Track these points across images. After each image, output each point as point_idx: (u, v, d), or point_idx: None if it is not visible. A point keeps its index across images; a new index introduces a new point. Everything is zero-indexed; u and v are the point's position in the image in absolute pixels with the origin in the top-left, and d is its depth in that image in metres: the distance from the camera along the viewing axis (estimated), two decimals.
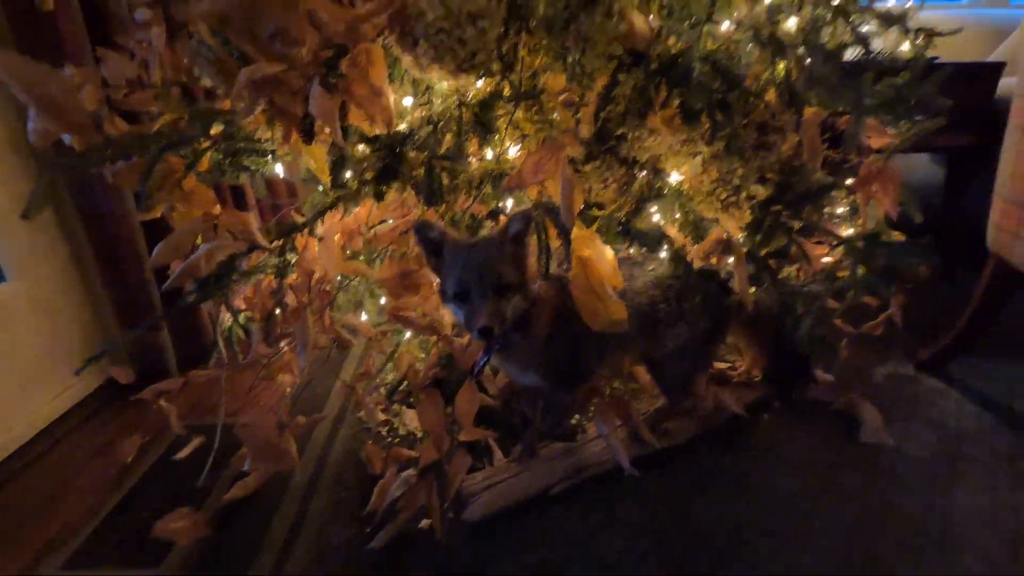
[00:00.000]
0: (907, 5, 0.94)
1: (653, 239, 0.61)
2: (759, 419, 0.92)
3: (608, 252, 0.60)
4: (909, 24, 0.94)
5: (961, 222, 1.48)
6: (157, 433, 0.90)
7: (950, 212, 1.50)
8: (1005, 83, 1.36)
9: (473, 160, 0.68)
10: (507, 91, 0.67)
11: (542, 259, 0.59)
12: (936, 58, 1.59)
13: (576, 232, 0.60)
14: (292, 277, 0.79)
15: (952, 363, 1.07)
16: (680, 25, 0.60)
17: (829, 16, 0.67)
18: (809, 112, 0.73)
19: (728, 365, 1.02)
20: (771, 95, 0.71)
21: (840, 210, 1.01)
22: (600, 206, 0.69)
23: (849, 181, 0.94)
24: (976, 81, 1.35)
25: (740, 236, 0.76)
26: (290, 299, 0.73)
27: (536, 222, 0.62)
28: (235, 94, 0.59)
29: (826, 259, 0.94)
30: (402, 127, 0.68)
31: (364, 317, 1.02)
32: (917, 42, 0.95)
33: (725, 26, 0.62)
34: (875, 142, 0.91)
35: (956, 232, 1.52)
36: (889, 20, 0.93)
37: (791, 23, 0.66)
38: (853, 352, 1.06)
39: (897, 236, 0.97)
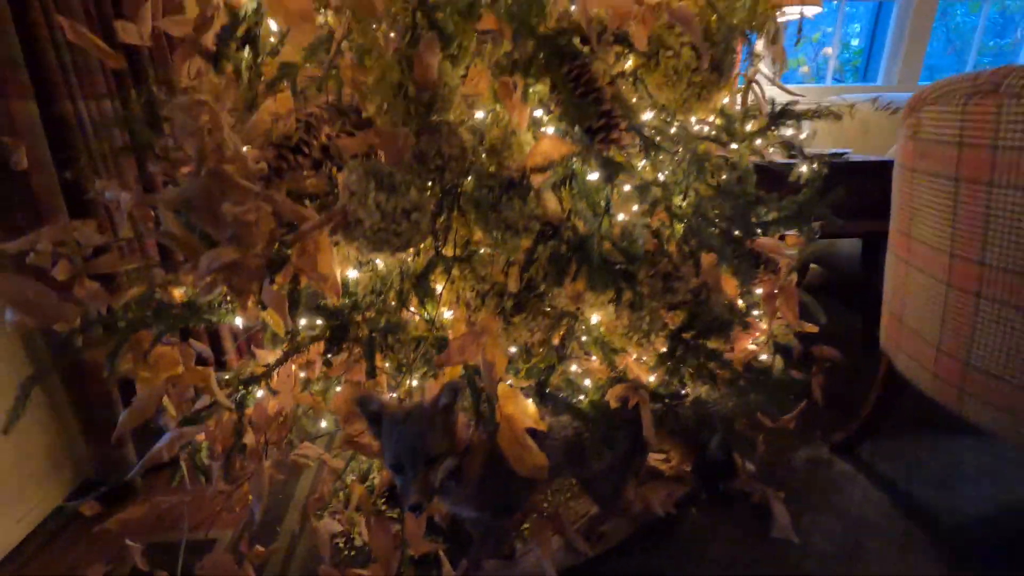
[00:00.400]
0: (803, 135, 1.09)
1: (563, 405, 0.71)
2: (688, 514, 1.02)
3: (530, 407, 0.69)
4: (806, 152, 1.09)
5: (877, 296, 1.64)
6: (119, 560, 0.94)
7: (868, 287, 1.66)
8: None
9: (415, 316, 0.77)
10: (446, 251, 0.77)
11: (471, 416, 0.68)
12: (847, 152, 1.77)
13: (501, 391, 0.69)
14: (250, 410, 0.86)
15: (863, 444, 1.19)
16: (585, 208, 0.71)
17: (711, 193, 0.79)
18: (707, 260, 0.84)
19: (663, 457, 1.12)
20: (672, 247, 0.83)
21: (756, 312, 1.13)
22: (529, 352, 0.79)
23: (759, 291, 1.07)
24: (875, 176, 1.52)
25: (652, 363, 0.86)
26: (248, 438, 0.80)
27: (469, 377, 0.71)
28: (197, 276, 0.67)
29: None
30: (350, 285, 0.77)
31: (323, 423, 1.08)
32: (813, 167, 1.10)
33: (621, 217, 0.73)
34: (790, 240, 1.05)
35: (874, 305, 1.68)
36: (789, 147, 1.07)
37: (682, 199, 0.78)
38: (774, 437, 1.18)
39: (809, 328, 1.10)
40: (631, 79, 0.89)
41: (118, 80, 1.01)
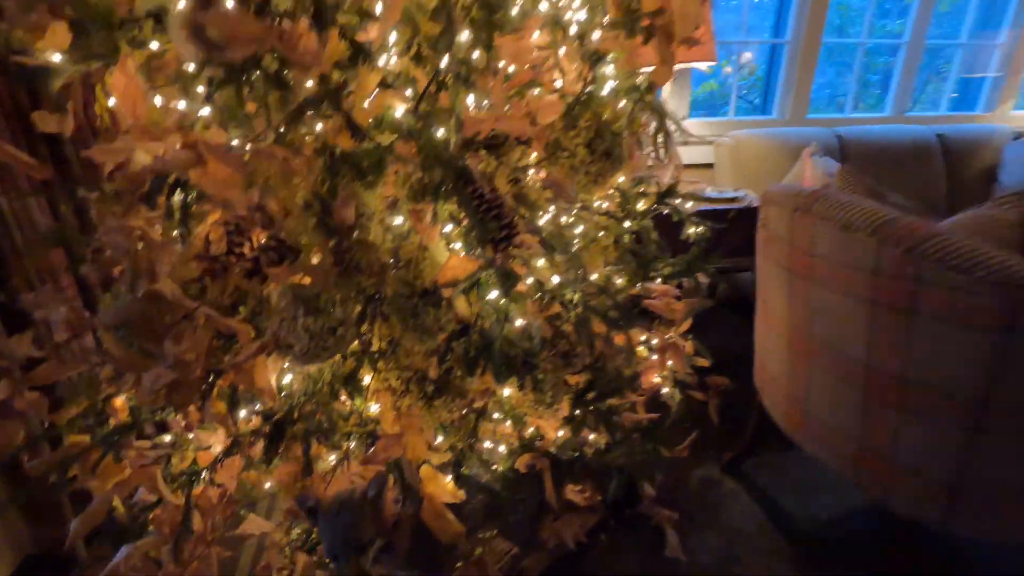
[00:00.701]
0: (688, 206, 1.25)
1: (476, 485, 0.84)
2: (599, 540, 1.18)
3: (449, 485, 0.81)
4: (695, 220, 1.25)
5: None
6: None
7: None
8: None
9: (347, 405, 0.87)
10: (374, 345, 0.88)
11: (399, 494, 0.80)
12: (742, 195, 1.99)
13: (422, 472, 0.81)
14: (199, 490, 0.93)
15: (746, 462, 1.40)
16: (489, 311, 0.84)
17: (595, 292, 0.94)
18: (599, 341, 0.99)
19: (578, 488, 1.28)
20: (569, 327, 0.97)
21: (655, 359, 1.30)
22: (451, 427, 0.91)
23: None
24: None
25: (558, 424, 1.01)
26: (196, 522, 0.87)
27: (396, 463, 0.82)
28: (140, 396, 0.74)
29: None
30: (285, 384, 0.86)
31: (267, 484, 1.16)
32: (699, 230, 1.26)
33: (519, 322, 0.86)
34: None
35: None
36: (678, 213, 1.23)
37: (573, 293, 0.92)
38: (674, 461, 1.37)
39: (702, 362, 1.28)
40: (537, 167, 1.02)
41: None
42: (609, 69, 0.85)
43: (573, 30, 0.83)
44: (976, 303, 0.69)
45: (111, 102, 0.84)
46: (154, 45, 0.82)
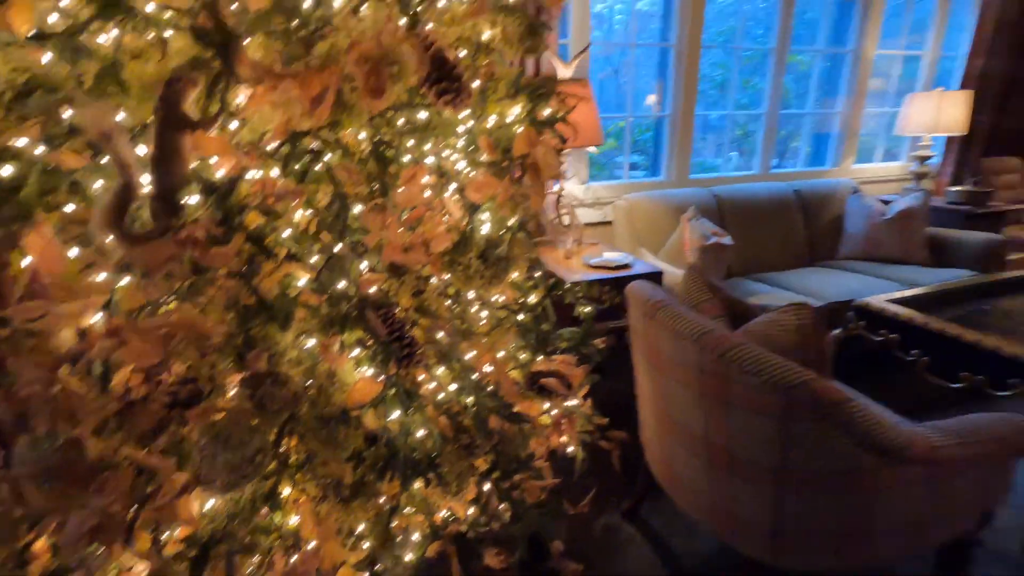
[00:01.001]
0: (576, 281, 1.43)
1: None
2: None
3: None
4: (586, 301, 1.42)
5: None
6: None
7: None
8: (674, 278, 2.01)
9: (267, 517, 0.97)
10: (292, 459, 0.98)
11: None
12: (630, 261, 2.23)
13: (341, 575, 0.91)
14: None
15: (642, 507, 1.60)
16: (393, 425, 0.97)
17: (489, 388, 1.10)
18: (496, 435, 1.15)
19: (496, 551, 1.41)
20: (469, 421, 1.12)
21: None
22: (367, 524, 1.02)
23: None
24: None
25: (468, 507, 1.15)
26: None
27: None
28: (65, 541, 0.80)
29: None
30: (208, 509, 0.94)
31: None
32: (587, 310, 1.45)
33: (420, 432, 1.00)
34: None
35: None
36: (570, 296, 1.41)
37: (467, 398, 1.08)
38: (577, 512, 1.54)
39: (599, 420, 1.47)
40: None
41: None
42: (485, 215, 1.03)
43: (453, 187, 1.00)
44: (765, 398, 0.91)
45: (25, 261, 0.90)
46: (69, 207, 0.90)
